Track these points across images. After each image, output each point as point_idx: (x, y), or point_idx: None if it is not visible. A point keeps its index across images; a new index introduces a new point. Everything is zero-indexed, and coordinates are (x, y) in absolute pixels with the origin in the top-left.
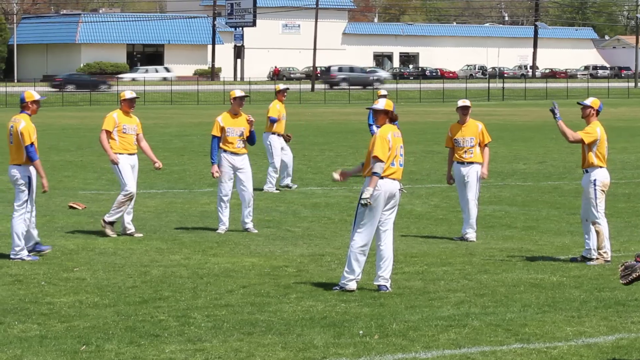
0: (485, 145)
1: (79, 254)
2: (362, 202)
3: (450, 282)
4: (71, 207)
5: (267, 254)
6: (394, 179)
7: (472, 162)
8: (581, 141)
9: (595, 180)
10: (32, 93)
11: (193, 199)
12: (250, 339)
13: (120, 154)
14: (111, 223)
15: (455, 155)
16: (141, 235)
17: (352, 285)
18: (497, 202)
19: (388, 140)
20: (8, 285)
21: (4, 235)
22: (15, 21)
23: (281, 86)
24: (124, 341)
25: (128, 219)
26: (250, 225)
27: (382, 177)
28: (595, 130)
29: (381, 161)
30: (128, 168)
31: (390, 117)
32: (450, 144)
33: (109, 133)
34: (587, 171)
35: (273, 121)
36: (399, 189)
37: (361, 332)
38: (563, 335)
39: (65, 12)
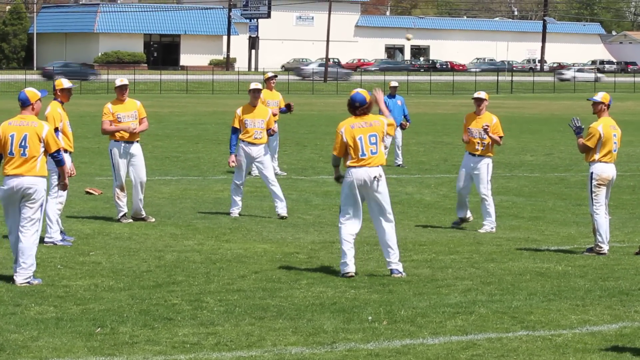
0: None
1: (95, 239)
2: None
3: (457, 270)
4: (88, 192)
5: (279, 240)
6: (367, 167)
7: (482, 156)
8: (589, 147)
9: (592, 173)
10: (61, 81)
11: (207, 186)
12: (261, 324)
13: (116, 141)
14: (124, 216)
15: (469, 145)
16: (153, 220)
17: (348, 269)
18: (504, 192)
19: (340, 134)
20: None
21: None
22: (35, 10)
23: (269, 74)
24: (138, 324)
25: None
26: (280, 211)
27: (353, 167)
28: (597, 129)
29: (334, 155)
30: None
31: (351, 110)
32: (465, 133)
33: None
34: (589, 165)
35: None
36: (374, 177)
37: (370, 317)
38: (568, 323)
39: (84, 1)
